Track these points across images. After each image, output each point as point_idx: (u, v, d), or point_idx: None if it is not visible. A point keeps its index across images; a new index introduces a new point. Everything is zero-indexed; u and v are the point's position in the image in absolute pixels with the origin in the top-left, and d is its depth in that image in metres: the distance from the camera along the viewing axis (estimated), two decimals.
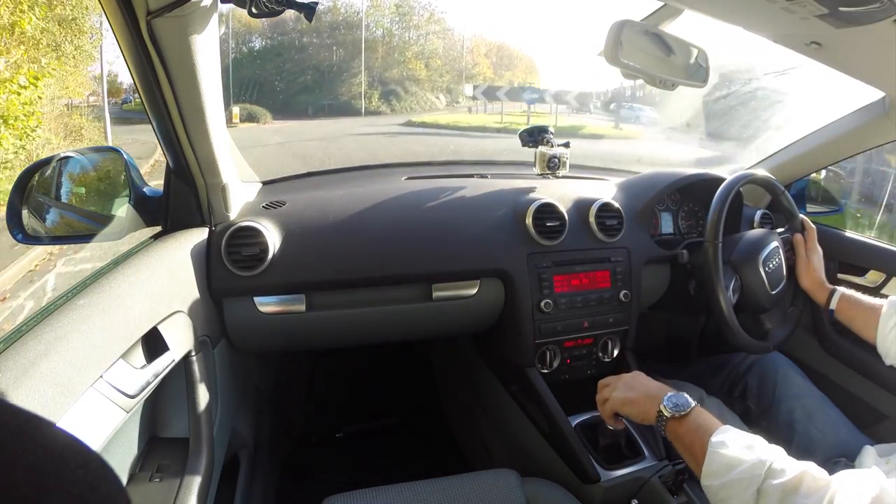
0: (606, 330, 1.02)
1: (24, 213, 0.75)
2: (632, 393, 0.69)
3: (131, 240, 0.82)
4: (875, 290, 1.13)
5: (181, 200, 0.84)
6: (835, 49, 0.73)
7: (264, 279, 0.84)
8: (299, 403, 1.55)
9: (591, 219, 1.01)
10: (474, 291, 0.96)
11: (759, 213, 1.19)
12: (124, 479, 0.68)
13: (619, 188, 1.13)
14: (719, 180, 1.00)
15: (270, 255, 0.83)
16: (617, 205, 1.03)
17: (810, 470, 0.51)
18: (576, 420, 0.92)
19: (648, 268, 1.06)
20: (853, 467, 0.83)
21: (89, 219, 0.85)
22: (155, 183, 0.88)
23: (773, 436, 0.59)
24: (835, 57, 0.77)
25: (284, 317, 0.89)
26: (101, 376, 0.54)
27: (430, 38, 21.55)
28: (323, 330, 0.93)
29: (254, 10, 0.58)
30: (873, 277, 1.14)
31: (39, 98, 5.83)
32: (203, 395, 0.76)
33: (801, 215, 1.06)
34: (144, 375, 0.61)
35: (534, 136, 1.11)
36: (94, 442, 0.53)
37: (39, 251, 4.04)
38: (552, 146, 1.09)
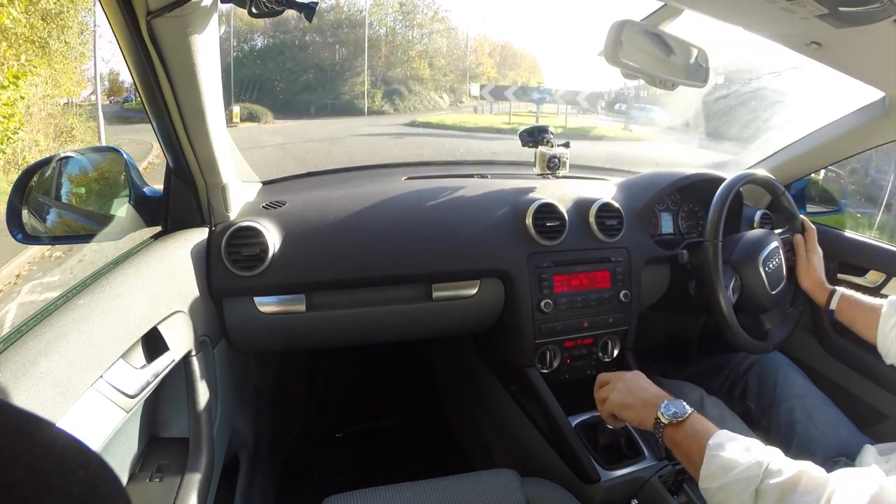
0: (606, 330, 1.02)
1: (24, 212, 0.75)
2: (630, 398, 0.69)
3: (131, 240, 0.82)
4: (875, 290, 1.13)
5: (181, 200, 0.84)
6: (835, 49, 0.73)
7: (264, 279, 0.83)
8: (299, 403, 1.55)
9: (591, 219, 1.01)
10: (474, 291, 0.96)
11: (759, 213, 1.19)
12: (124, 479, 0.68)
13: (619, 188, 1.13)
14: (719, 180, 1.00)
15: (270, 255, 0.83)
16: (617, 205, 1.03)
17: (808, 469, 0.52)
18: (576, 420, 0.92)
19: (648, 268, 1.06)
20: (853, 467, 0.84)
21: (89, 219, 0.85)
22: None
23: (773, 435, 0.59)
24: (835, 57, 0.77)
25: (284, 317, 0.89)
26: (101, 376, 0.54)
27: (434, 36, 21.47)
28: (323, 330, 0.93)
29: (254, 10, 0.58)
30: (873, 277, 1.14)
31: (22, 98, 5.64)
32: (203, 395, 0.76)
33: (802, 216, 1.06)
34: (144, 375, 0.61)
35: (534, 136, 1.11)
36: (94, 442, 0.53)
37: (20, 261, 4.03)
38: (552, 146, 1.09)
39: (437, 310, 0.96)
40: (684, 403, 0.63)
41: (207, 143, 0.76)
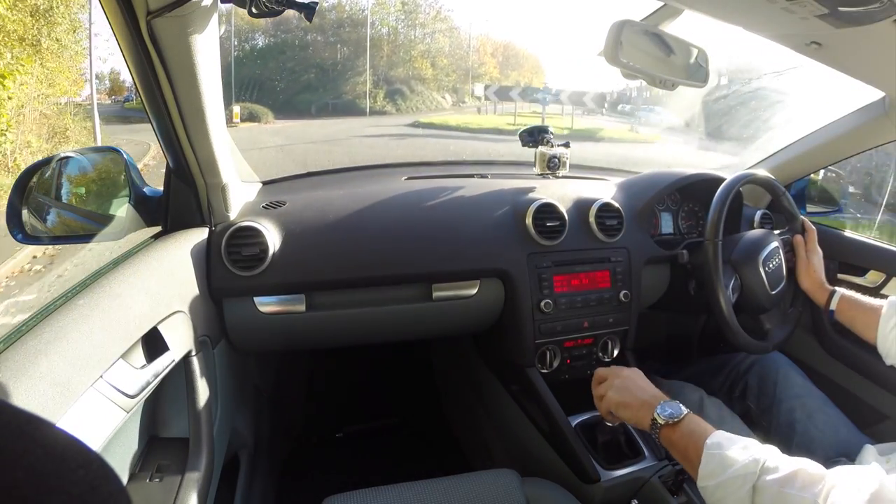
0: (606, 330, 1.02)
1: (24, 212, 0.75)
2: (628, 397, 0.70)
3: (131, 240, 0.82)
4: (875, 290, 1.13)
5: (181, 200, 0.84)
6: (835, 49, 0.73)
7: (264, 279, 0.84)
8: (299, 403, 1.55)
9: (591, 219, 1.01)
10: (474, 291, 0.96)
11: (759, 214, 1.19)
12: (124, 479, 0.68)
13: (619, 188, 1.13)
14: (719, 180, 1.00)
15: (270, 255, 0.83)
16: (617, 205, 1.03)
17: (805, 466, 0.52)
18: (576, 420, 0.92)
19: (648, 268, 1.06)
20: None
21: (89, 219, 0.85)
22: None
23: (773, 435, 0.59)
24: (835, 57, 0.77)
25: (284, 317, 0.89)
26: (101, 376, 0.54)
27: (437, 36, 21.31)
28: (323, 330, 0.93)
29: (254, 9, 0.58)
30: (873, 277, 1.14)
31: (10, 98, 5.49)
32: (203, 395, 0.76)
33: (802, 216, 1.06)
34: (144, 375, 0.61)
35: (534, 136, 1.11)
36: (95, 442, 0.53)
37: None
38: (552, 146, 1.09)
39: (437, 310, 0.96)
40: (680, 404, 0.64)
41: (207, 143, 0.76)
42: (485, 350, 1.15)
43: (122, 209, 0.82)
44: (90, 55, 8.86)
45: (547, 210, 0.98)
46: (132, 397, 0.58)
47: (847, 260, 1.18)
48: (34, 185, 0.77)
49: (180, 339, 0.70)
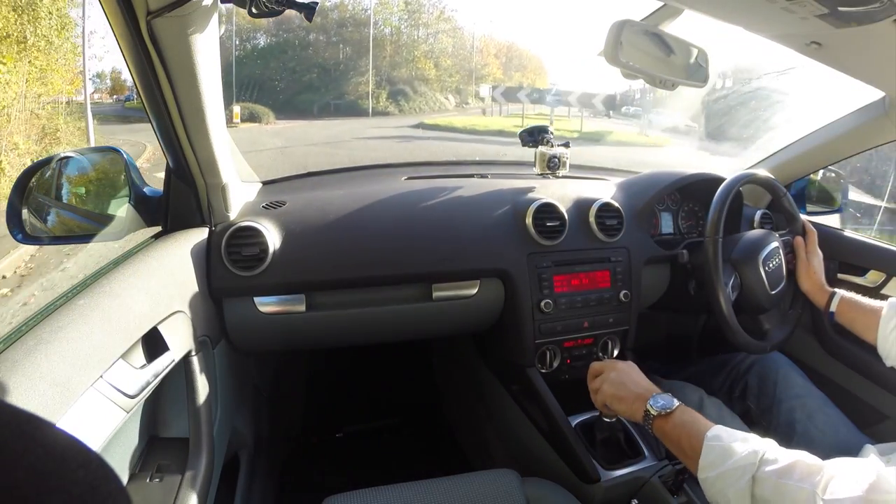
0: (606, 330, 1.02)
1: (24, 212, 0.75)
2: (622, 391, 0.72)
3: (131, 240, 0.82)
4: (875, 290, 1.13)
5: (181, 200, 0.84)
6: (835, 49, 0.73)
7: (264, 279, 0.83)
8: (299, 403, 1.55)
9: (591, 219, 1.01)
10: (474, 291, 0.96)
11: (759, 213, 1.19)
12: (124, 479, 0.68)
13: (619, 188, 1.13)
14: (719, 180, 1.00)
15: (270, 255, 0.83)
16: (617, 205, 1.03)
17: (803, 458, 0.53)
18: (576, 420, 0.92)
19: (648, 268, 1.06)
20: None
21: (89, 219, 0.85)
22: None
23: (773, 435, 0.60)
24: (835, 57, 0.77)
25: (284, 317, 0.89)
26: (101, 376, 0.54)
27: (440, 36, 21.21)
28: (323, 330, 0.93)
29: (254, 9, 0.58)
30: (873, 277, 1.14)
31: None
32: (203, 395, 0.76)
33: (803, 217, 1.06)
34: (144, 375, 0.61)
35: (534, 136, 1.11)
36: (95, 442, 0.53)
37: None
38: (552, 146, 1.09)
39: (437, 310, 0.96)
40: (672, 397, 0.67)
41: (207, 143, 0.76)
42: (485, 350, 1.15)
43: (122, 209, 0.82)
44: (83, 53, 8.72)
45: (547, 210, 0.98)
46: (132, 397, 0.58)
47: (847, 260, 1.18)
48: (34, 185, 0.77)
49: (180, 339, 0.70)
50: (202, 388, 0.76)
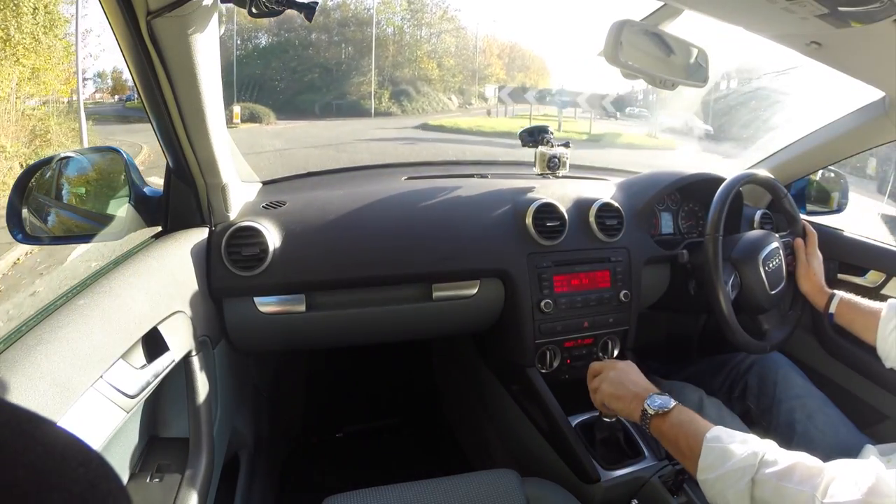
0: (606, 330, 1.02)
1: (24, 212, 0.75)
2: (620, 390, 0.73)
3: (131, 240, 0.82)
4: (875, 291, 1.13)
5: (181, 200, 0.84)
6: (835, 49, 0.73)
7: (264, 279, 0.84)
8: (299, 403, 1.55)
9: (591, 219, 1.01)
10: (474, 291, 0.96)
11: (759, 213, 1.19)
12: (124, 479, 0.68)
13: (619, 188, 1.13)
14: (719, 180, 1.00)
15: (270, 255, 0.83)
16: (617, 205, 1.03)
17: (803, 459, 0.53)
18: (576, 420, 0.92)
19: (648, 268, 1.06)
20: None
21: (89, 219, 0.85)
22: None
23: (773, 436, 0.60)
24: (835, 57, 0.77)
25: (284, 317, 0.89)
26: (101, 376, 0.54)
27: (443, 36, 21.02)
28: (323, 330, 0.93)
29: (254, 9, 0.58)
30: (873, 277, 1.14)
31: None
32: (203, 395, 0.76)
33: (803, 219, 1.06)
34: (144, 375, 0.61)
35: (534, 136, 1.11)
36: (95, 442, 0.53)
37: None
38: (552, 146, 1.09)
39: (437, 310, 0.96)
40: (669, 396, 0.67)
41: (207, 143, 0.76)
42: (485, 350, 1.15)
43: (122, 209, 0.82)
44: (77, 51, 8.52)
45: (547, 210, 0.98)
46: (132, 397, 0.58)
47: (847, 260, 1.18)
48: (34, 185, 0.77)
49: (180, 339, 0.70)
50: (202, 388, 0.76)
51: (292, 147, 9.56)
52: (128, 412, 0.57)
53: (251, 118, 13.89)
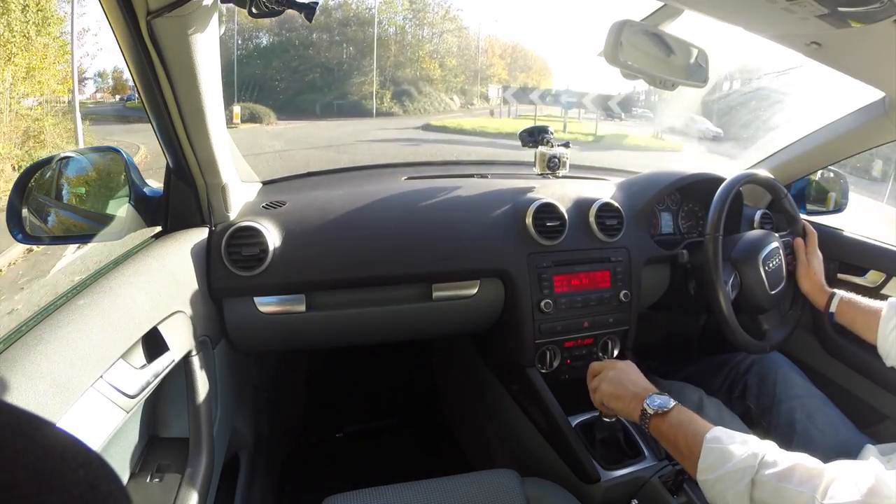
0: (606, 330, 1.02)
1: (24, 212, 0.75)
2: (620, 389, 0.73)
3: (131, 240, 0.82)
4: (875, 290, 1.13)
5: (181, 200, 0.84)
6: (835, 49, 0.73)
7: (264, 279, 0.84)
8: (299, 403, 1.55)
9: (591, 219, 1.01)
10: (474, 291, 0.96)
11: (759, 213, 1.19)
12: (125, 479, 0.68)
13: (619, 188, 1.13)
14: (719, 180, 1.00)
15: (270, 255, 0.83)
16: (617, 205, 1.03)
17: (803, 461, 0.53)
18: (576, 420, 0.92)
19: (648, 268, 1.06)
20: None
21: (89, 219, 0.85)
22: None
23: (773, 436, 0.60)
24: (835, 57, 0.77)
25: (284, 317, 0.89)
26: (101, 376, 0.54)
27: (445, 36, 20.82)
28: (323, 330, 0.93)
29: (254, 9, 0.58)
30: (873, 277, 1.14)
31: None
32: (203, 395, 0.76)
33: (803, 219, 1.06)
34: (144, 375, 0.61)
35: (534, 136, 1.11)
36: (95, 442, 0.53)
37: None
38: (552, 146, 1.09)
39: (437, 310, 0.96)
40: (668, 396, 0.67)
41: (207, 143, 0.76)
42: (485, 350, 1.15)
43: (122, 209, 0.82)
44: (72, 50, 8.37)
45: (547, 210, 0.98)
46: (132, 397, 0.58)
47: (847, 260, 1.18)
48: (34, 186, 0.77)
49: (180, 339, 0.70)
50: (202, 388, 0.76)
51: (292, 149, 9.33)
52: (128, 412, 0.57)
53: (251, 118, 13.81)
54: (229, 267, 0.82)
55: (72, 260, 4.18)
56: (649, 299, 1.13)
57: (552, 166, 1.09)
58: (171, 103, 0.69)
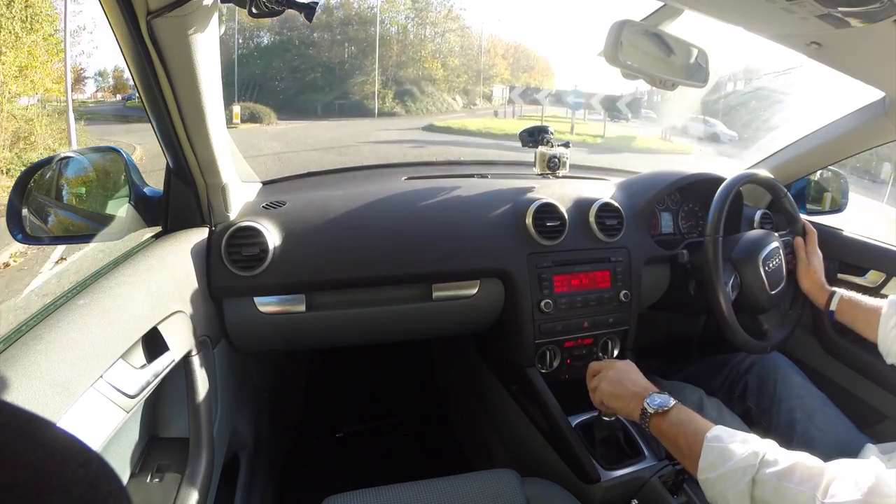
0: (606, 330, 1.02)
1: (24, 212, 0.75)
2: (619, 389, 0.73)
3: (131, 240, 0.82)
4: (875, 290, 1.13)
5: (181, 200, 0.84)
6: (835, 49, 0.73)
7: (264, 279, 0.84)
8: (299, 403, 1.55)
9: (591, 219, 1.01)
10: (474, 291, 0.96)
11: (759, 213, 1.19)
12: (125, 479, 0.68)
13: (619, 188, 1.13)
14: (719, 180, 1.00)
15: (270, 255, 0.83)
16: (617, 205, 1.03)
17: (804, 459, 0.53)
18: (576, 420, 0.92)
19: (648, 268, 1.06)
20: None
21: (89, 219, 0.85)
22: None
23: (773, 435, 0.60)
24: (835, 57, 0.77)
25: (284, 317, 0.89)
26: (101, 376, 0.54)
27: (448, 35, 20.75)
28: (323, 330, 0.93)
29: (254, 9, 0.58)
30: (873, 277, 1.14)
31: None
32: (203, 395, 0.76)
33: (803, 218, 1.06)
34: (144, 375, 0.61)
35: (534, 136, 1.11)
36: (95, 442, 0.53)
37: None
38: (552, 146, 1.10)
39: (437, 310, 0.96)
40: (668, 395, 0.67)
41: (207, 143, 0.76)
42: (485, 350, 1.15)
43: (122, 209, 0.82)
44: (66, 48, 8.23)
45: (547, 210, 0.98)
46: (132, 397, 0.58)
47: (847, 260, 1.18)
48: (34, 186, 0.77)
49: (180, 339, 0.70)
50: (202, 388, 0.76)
51: (291, 151, 9.07)
52: (128, 412, 0.57)
53: (252, 118, 13.75)
54: (229, 267, 0.82)
55: (47, 278, 3.85)
56: (649, 299, 1.13)
57: (552, 166, 1.09)
58: (171, 103, 0.69)
